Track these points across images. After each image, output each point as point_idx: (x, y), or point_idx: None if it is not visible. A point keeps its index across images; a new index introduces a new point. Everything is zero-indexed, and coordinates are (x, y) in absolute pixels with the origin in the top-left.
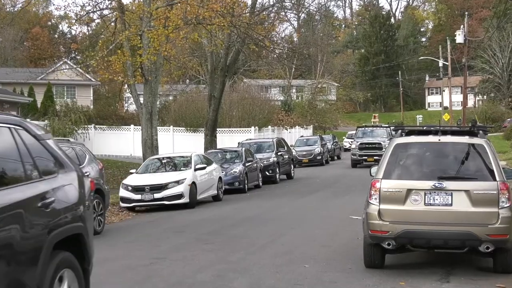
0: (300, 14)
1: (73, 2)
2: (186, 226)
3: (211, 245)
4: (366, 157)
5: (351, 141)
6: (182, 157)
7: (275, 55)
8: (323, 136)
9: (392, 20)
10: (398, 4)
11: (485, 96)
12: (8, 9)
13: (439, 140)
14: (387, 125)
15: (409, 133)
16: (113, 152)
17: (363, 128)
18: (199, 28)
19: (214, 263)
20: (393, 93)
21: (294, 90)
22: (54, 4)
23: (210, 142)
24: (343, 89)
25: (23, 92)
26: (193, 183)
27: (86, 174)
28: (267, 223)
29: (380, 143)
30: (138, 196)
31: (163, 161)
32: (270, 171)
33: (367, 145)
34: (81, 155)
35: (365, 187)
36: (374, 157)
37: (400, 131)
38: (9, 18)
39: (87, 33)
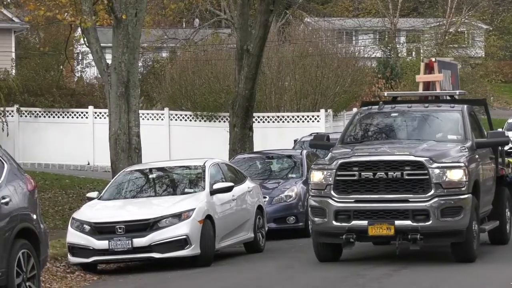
0: None
1: None
2: None
3: None
4: (363, 224)
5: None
6: (188, 168)
7: None
8: None
9: None
10: None
11: None
12: None
13: None
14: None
15: None
16: (56, 158)
17: (375, 108)
18: None
19: None
20: None
21: (402, 39)
22: None
23: (241, 139)
24: (499, 36)
25: None
26: (209, 217)
27: (3, 201)
28: None
29: (421, 163)
30: (103, 243)
31: (150, 176)
32: None
33: (370, 173)
34: None
35: None
36: (396, 224)
37: None
38: None
39: None
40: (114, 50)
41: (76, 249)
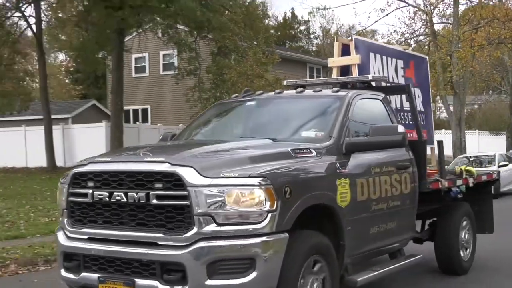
0: None
1: (394, 31)
2: None
3: None
4: (93, 279)
5: None
6: (487, 155)
7: None
8: None
9: None
10: None
11: None
12: None
13: None
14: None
15: None
16: None
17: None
18: (501, 46)
19: None
20: None
21: None
22: (378, 34)
23: (511, 144)
24: None
25: None
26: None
27: None
28: None
29: (177, 177)
30: None
31: (470, 159)
32: None
33: (106, 193)
34: None
35: None
36: (138, 285)
37: None
38: None
39: None
40: (453, 105)
41: None
